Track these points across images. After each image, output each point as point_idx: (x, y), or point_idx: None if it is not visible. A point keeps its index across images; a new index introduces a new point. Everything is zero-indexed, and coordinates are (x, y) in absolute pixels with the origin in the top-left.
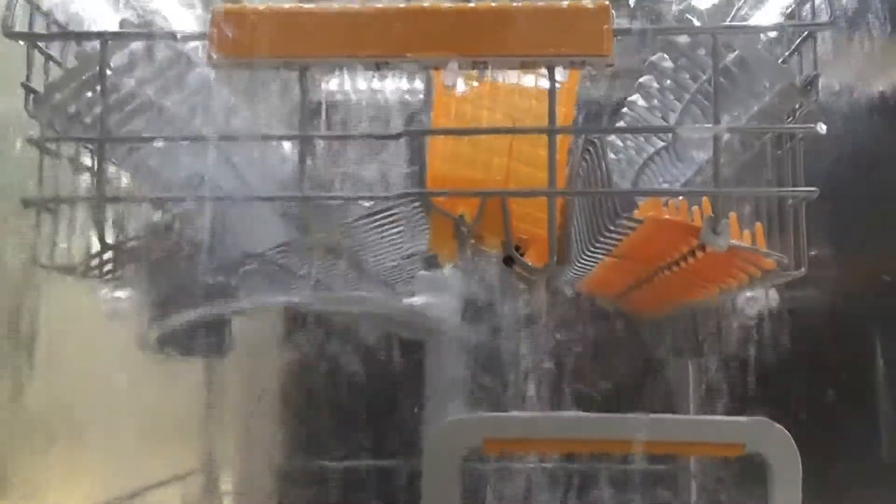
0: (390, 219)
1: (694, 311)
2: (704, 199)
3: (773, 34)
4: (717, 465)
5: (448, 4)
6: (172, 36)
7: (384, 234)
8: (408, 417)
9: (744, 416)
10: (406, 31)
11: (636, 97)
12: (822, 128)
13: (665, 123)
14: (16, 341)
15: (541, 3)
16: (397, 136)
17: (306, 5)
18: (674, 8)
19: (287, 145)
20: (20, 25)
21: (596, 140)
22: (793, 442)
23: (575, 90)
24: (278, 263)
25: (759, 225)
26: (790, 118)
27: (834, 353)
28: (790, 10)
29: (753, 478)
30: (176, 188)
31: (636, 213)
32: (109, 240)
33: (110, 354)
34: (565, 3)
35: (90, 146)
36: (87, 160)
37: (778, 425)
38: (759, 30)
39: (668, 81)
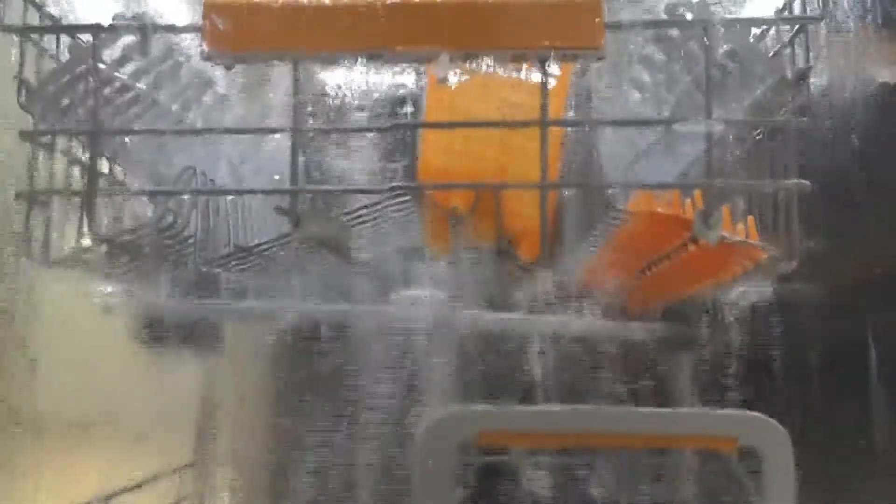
0: (383, 212)
1: (687, 305)
2: (697, 191)
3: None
4: (712, 460)
5: None
6: (165, 29)
7: (377, 227)
8: (402, 411)
9: (737, 409)
10: (398, 24)
11: (629, 90)
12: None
13: (657, 117)
14: (8, 335)
15: None
16: (389, 129)
17: None
18: (666, 0)
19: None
20: (13, 18)
21: (588, 133)
22: (786, 435)
23: (567, 84)
24: (271, 257)
25: (751, 218)
26: (783, 111)
27: (827, 345)
28: (783, 3)
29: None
30: (169, 182)
31: (628, 207)
32: (103, 233)
33: (103, 349)
34: None
35: (83, 139)
36: (80, 153)
37: (771, 419)
38: (751, 23)
39: (661, 75)
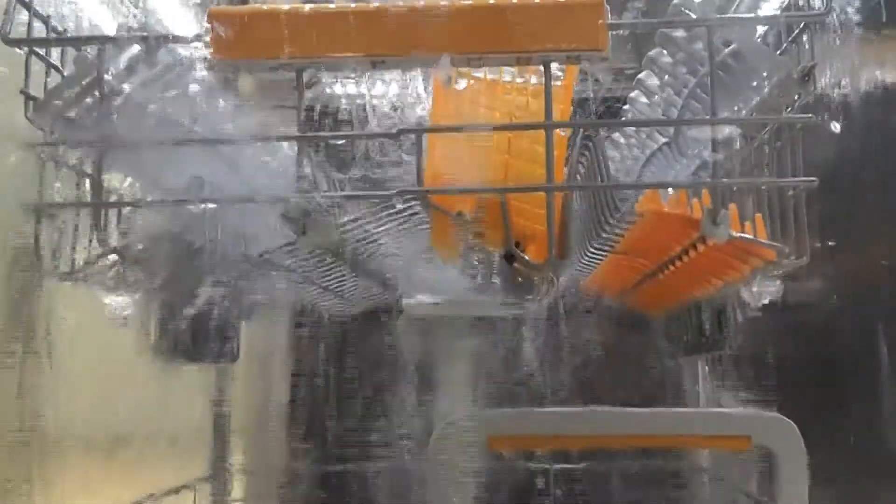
0: (390, 218)
1: (699, 306)
2: (704, 191)
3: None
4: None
5: (443, 2)
6: (170, 39)
7: (385, 233)
8: (415, 418)
9: (750, 409)
10: (401, 30)
11: (636, 94)
12: (835, 127)
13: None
14: (20, 349)
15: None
16: (395, 135)
17: (302, 5)
18: (672, 2)
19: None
20: (18, 32)
21: (593, 135)
22: (799, 434)
23: (571, 86)
24: (280, 265)
25: (758, 216)
26: (789, 109)
27: (839, 344)
28: (787, 1)
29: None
30: (178, 192)
31: (636, 208)
32: (112, 245)
33: (116, 361)
34: None
35: (91, 151)
36: (87, 166)
37: (784, 418)
38: (754, 21)
39: (667, 77)
